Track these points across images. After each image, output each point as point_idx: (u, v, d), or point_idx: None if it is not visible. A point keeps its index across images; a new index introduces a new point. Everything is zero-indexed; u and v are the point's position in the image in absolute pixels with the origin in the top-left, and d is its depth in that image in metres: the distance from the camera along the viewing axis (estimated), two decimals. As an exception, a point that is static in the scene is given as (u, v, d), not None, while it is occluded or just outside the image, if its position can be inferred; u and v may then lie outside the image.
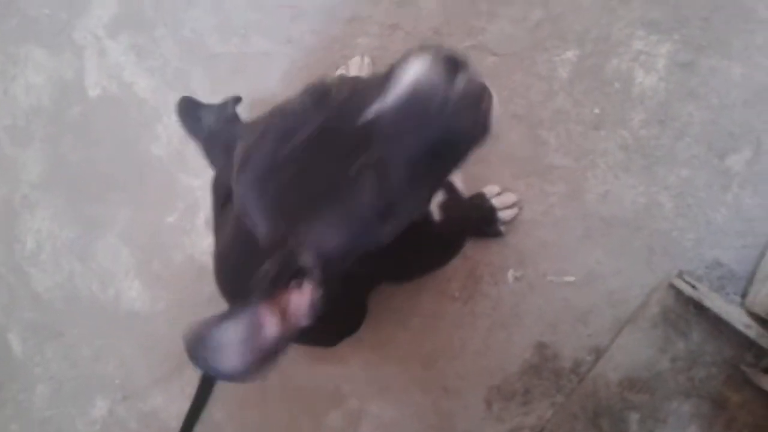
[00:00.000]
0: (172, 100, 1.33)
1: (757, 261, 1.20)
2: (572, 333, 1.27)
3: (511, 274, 1.29)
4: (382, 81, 0.59)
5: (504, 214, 1.23)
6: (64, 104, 1.54)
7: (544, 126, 1.29)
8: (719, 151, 1.22)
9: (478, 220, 1.22)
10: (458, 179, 1.03)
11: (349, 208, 0.58)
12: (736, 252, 1.22)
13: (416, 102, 0.56)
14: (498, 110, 0.64)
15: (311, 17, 1.40)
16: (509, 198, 1.24)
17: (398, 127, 0.57)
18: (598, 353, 1.25)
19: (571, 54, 1.27)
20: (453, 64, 0.58)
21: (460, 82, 0.57)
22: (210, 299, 1.38)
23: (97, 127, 1.54)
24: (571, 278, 1.27)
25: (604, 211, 1.27)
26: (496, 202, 1.23)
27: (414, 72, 0.56)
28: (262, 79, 1.41)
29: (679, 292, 1.17)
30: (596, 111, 1.27)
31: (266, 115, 0.67)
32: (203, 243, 1.44)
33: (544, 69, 1.29)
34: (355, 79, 0.65)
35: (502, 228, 1.24)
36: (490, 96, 0.62)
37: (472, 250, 1.31)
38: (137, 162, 1.51)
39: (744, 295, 1.17)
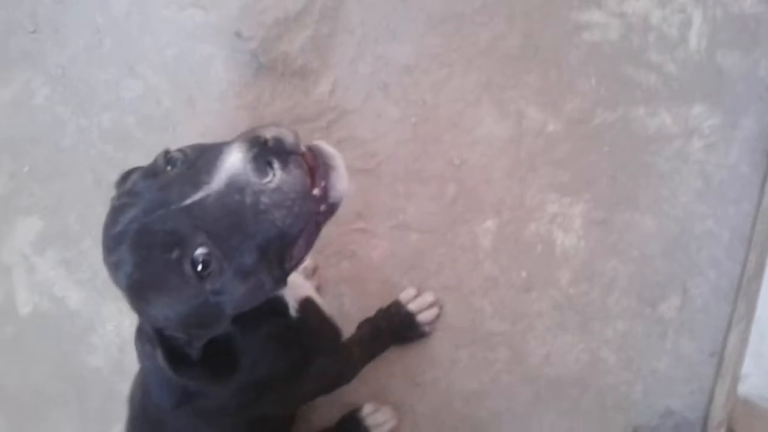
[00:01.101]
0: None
1: (707, 407, 1.26)
2: None
3: (469, 451, 1.32)
4: (212, 162, 0.60)
5: (423, 317, 1.28)
6: (-6, 325, 1.56)
7: (476, 294, 1.35)
8: (649, 301, 1.30)
9: (397, 328, 1.28)
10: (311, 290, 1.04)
11: (172, 290, 0.62)
12: (686, 398, 1.27)
13: (229, 194, 0.58)
14: (345, 184, 0.68)
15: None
16: (427, 299, 1.30)
17: (217, 214, 0.59)
18: None
19: (490, 223, 1.36)
20: (274, 154, 0.59)
21: (276, 177, 0.59)
22: None
23: (31, 344, 1.55)
24: (529, 447, 1.30)
25: (549, 372, 1.32)
26: (413, 306, 1.29)
27: (227, 166, 0.59)
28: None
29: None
30: (524, 274, 1.34)
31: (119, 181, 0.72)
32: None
33: (466, 240, 1.36)
34: (199, 151, 0.65)
35: (427, 329, 1.29)
36: (329, 170, 0.66)
37: (426, 428, 1.34)
38: (75, 376, 1.52)
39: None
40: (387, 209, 1.38)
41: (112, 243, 0.63)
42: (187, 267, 0.60)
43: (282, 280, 0.72)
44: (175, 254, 0.60)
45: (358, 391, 1.33)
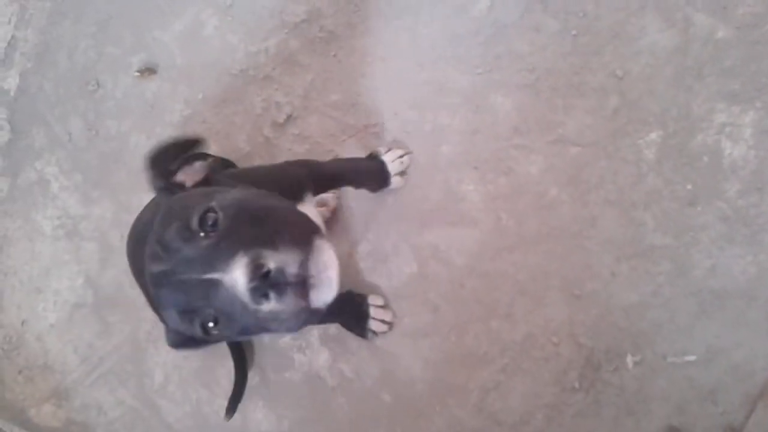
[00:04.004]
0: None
1: None
2: (702, 413, 1.44)
3: (629, 359, 1.50)
4: (228, 257, 0.76)
5: (375, 325, 1.54)
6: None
7: (638, 208, 1.51)
8: (825, 211, 1.41)
9: (348, 315, 1.55)
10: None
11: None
12: None
13: (233, 297, 0.76)
14: (330, 296, 0.84)
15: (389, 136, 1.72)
16: (386, 315, 1.55)
17: (225, 301, 0.76)
18: (734, 431, 1.44)
19: (654, 135, 1.50)
20: (271, 287, 0.74)
21: (270, 304, 0.75)
22: (334, 411, 1.69)
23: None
24: (692, 357, 1.46)
25: (714, 284, 1.46)
26: (373, 311, 1.53)
27: (233, 281, 0.75)
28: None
29: (807, 363, 1.35)
30: (689, 187, 1.48)
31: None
32: (320, 358, 1.76)
33: (629, 153, 1.52)
34: (232, 216, 0.82)
35: (370, 336, 1.55)
36: (320, 284, 0.82)
37: (585, 337, 1.55)
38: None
39: None
40: (545, 124, 1.55)
41: (152, 280, 0.85)
42: (197, 325, 0.82)
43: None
44: (193, 315, 0.82)
45: (515, 301, 1.55)
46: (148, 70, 1.81)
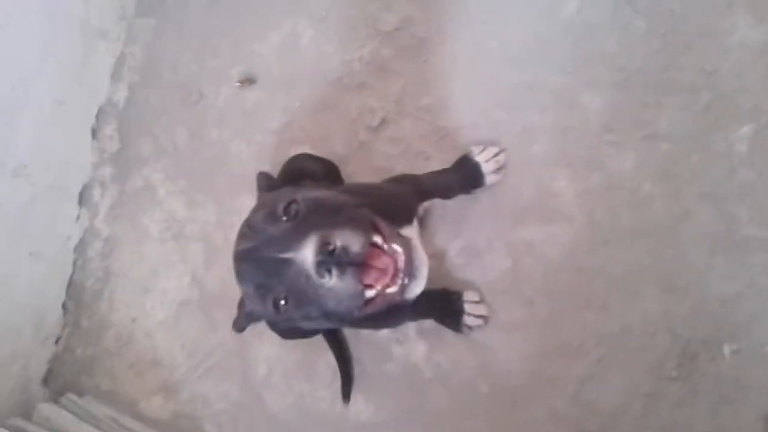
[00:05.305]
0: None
1: None
2: None
3: (726, 349, 1.60)
4: (303, 237, 0.95)
5: (470, 320, 1.63)
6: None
7: (731, 201, 1.60)
8: None
9: (443, 311, 1.64)
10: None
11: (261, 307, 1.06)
12: None
13: (301, 272, 0.95)
14: (419, 289, 1.07)
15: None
16: (480, 310, 1.64)
17: (294, 278, 0.95)
18: (836, 420, 1.52)
19: (746, 129, 1.59)
20: (334, 263, 0.92)
21: (332, 281, 0.93)
22: (431, 401, 1.86)
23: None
24: (790, 346, 1.57)
25: None
26: (468, 307, 1.63)
27: (302, 257, 0.94)
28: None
29: None
30: (783, 179, 1.58)
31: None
32: (417, 350, 1.93)
33: (721, 147, 1.61)
34: (311, 206, 1.02)
35: (465, 330, 1.63)
36: (412, 278, 1.04)
37: (681, 328, 1.67)
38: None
39: None
40: (636, 121, 1.66)
41: (237, 256, 1.06)
42: (269, 302, 1.01)
43: (343, 324, 1.13)
44: (267, 291, 1.01)
45: (610, 294, 1.67)
46: (248, 81, 2.02)
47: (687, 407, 1.55)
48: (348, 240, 0.91)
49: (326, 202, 1.01)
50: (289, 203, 0.98)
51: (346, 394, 1.78)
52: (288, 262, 0.93)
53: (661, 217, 1.60)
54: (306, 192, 1.04)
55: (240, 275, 1.05)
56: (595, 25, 1.63)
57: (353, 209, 1.01)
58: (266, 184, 1.33)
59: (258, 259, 0.99)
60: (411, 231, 1.29)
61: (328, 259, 0.90)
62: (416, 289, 1.07)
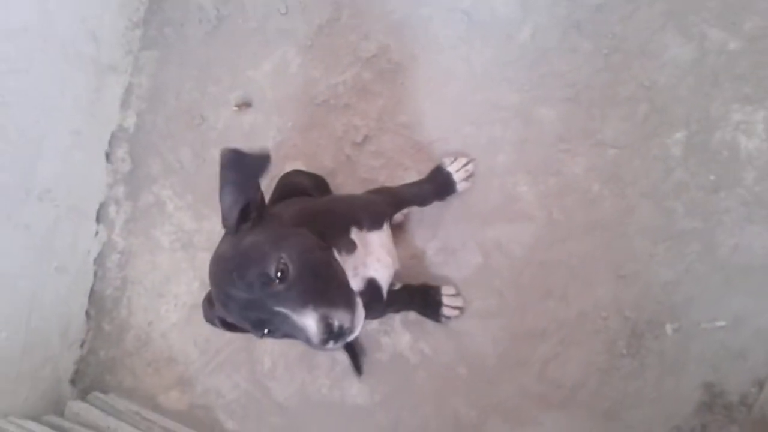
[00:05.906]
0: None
1: None
2: (734, 370, 1.72)
3: (669, 327, 1.83)
4: (299, 324, 1.07)
5: (448, 312, 1.85)
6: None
7: (669, 198, 1.83)
8: (832, 192, 1.72)
9: (424, 304, 1.86)
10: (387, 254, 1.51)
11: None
12: None
13: (300, 332, 1.07)
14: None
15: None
16: (457, 302, 1.87)
17: (287, 325, 1.10)
18: (761, 384, 1.75)
19: (680, 135, 1.83)
20: (334, 337, 1.05)
21: (330, 345, 1.05)
22: (417, 384, 2.10)
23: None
24: (722, 323, 1.78)
25: (738, 260, 1.74)
26: (446, 300, 1.84)
27: (305, 324, 1.05)
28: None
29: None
30: (712, 177, 1.81)
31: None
32: (403, 340, 2.17)
33: (658, 152, 1.83)
34: (300, 270, 1.12)
35: (444, 320, 1.86)
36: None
37: (629, 311, 1.92)
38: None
39: None
40: (586, 131, 1.88)
41: (230, 297, 1.10)
42: (253, 326, 1.13)
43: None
44: (255, 321, 1.13)
45: (568, 284, 1.91)
46: (245, 105, 2.25)
47: (636, 379, 1.78)
48: (343, 319, 1.07)
49: (309, 263, 1.12)
50: (279, 260, 1.09)
51: (358, 370, 2.02)
52: (283, 315, 1.06)
53: (609, 214, 1.82)
54: (289, 247, 1.11)
55: (224, 298, 1.11)
56: (547, 49, 1.86)
57: (334, 272, 1.16)
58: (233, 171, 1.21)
59: (248, 299, 1.08)
60: (381, 234, 1.45)
61: (329, 334, 1.06)
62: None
